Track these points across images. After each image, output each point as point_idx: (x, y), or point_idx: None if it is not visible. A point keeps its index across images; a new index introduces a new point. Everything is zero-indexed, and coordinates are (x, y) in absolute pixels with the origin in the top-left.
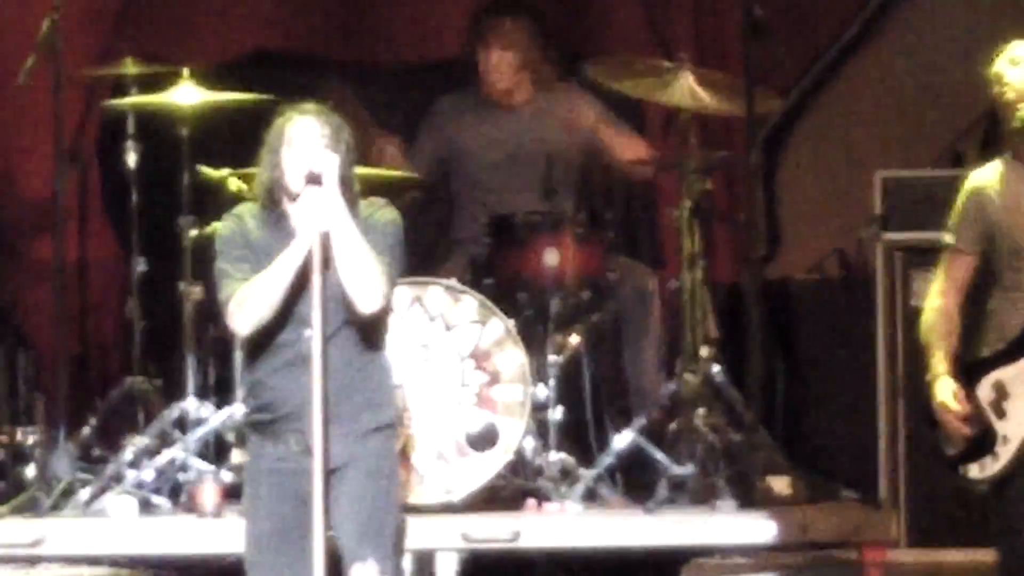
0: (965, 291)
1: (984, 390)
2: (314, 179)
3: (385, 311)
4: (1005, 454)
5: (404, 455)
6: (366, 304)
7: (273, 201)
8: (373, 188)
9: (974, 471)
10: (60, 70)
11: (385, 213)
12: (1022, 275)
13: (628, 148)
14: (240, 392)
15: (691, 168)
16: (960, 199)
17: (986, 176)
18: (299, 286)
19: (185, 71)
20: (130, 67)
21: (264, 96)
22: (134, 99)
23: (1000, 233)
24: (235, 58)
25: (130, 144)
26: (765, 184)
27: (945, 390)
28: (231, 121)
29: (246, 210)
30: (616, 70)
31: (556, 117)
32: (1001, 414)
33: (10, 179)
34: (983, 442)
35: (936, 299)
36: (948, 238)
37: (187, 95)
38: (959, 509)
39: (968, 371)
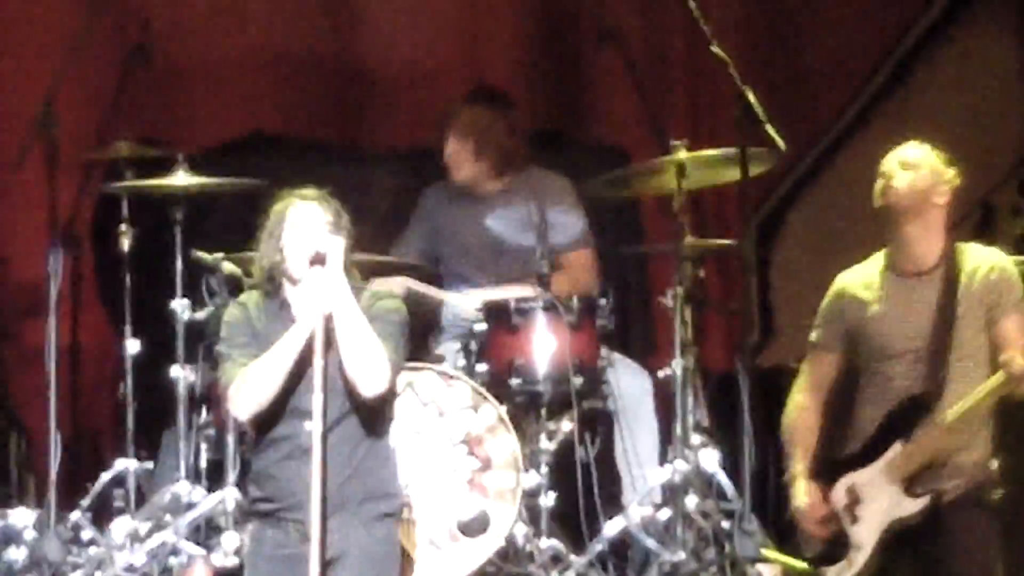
0: (828, 388)
1: (838, 494)
2: (318, 260)
3: (389, 396)
4: (858, 561)
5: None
6: (368, 387)
7: (274, 287)
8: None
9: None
10: (55, 153)
11: (388, 302)
12: (882, 376)
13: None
14: (232, 476)
15: (684, 255)
16: (826, 299)
17: (855, 278)
18: (300, 372)
19: (180, 155)
20: (125, 150)
21: (259, 181)
22: (129, 183)
23: (865, 335)
24: (231, 141)
25: (124, 227)
26: (759, 271)
27: (800, 494)
28: (226, 204)
29: (251, 298)
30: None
31: (528, 205)
32: (854, 519)
33: (3, 262)
34: (838, 545)
35: (797, 396)
36: (812, 336)
37: (182, 178)
38: None
39: (826, 471)
